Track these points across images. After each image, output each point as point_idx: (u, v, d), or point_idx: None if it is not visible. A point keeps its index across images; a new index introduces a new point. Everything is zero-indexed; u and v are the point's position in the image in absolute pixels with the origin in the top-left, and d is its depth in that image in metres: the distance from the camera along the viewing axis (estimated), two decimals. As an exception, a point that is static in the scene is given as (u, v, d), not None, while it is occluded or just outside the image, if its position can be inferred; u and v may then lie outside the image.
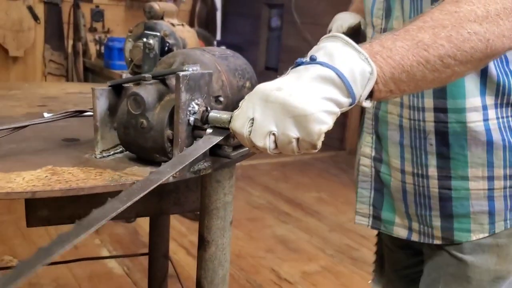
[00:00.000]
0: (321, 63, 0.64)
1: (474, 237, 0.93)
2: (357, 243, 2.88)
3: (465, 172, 0.92)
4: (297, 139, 0.64)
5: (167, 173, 0.68)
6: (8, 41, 3.34)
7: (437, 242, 0.97)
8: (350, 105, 0.65)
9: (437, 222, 0.96)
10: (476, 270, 0.94)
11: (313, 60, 0.65)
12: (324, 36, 0.70)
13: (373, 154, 1.04)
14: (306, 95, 0.62)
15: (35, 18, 3.42)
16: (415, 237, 1.01)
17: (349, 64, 0.64)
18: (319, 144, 0.64)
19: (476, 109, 0.89)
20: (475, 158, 0.91)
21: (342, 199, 3.60)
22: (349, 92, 0.64)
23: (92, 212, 0.57)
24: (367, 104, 0.67)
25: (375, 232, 1.17)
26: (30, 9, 3.39)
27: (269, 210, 3.40)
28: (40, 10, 3.46)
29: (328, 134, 0.64)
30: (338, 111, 0.64)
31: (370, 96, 0.67)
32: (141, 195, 0.62)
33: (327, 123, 0.63)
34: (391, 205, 1.04)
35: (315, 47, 0.68)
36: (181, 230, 2.97)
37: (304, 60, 0.66)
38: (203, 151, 0.75)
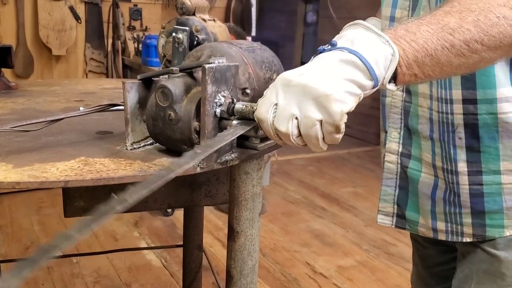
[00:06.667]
0: (342, 49, 0.64)
1: (507, 232, 0.91)
2: (393, 238, 2.85)
3: (497, 165, 0.89)
4: (320, 122, 0.63)
5: (190, 160, 0.66)
6: (51, 41, 3.45)
7: (467, 239, 0.94)
8: (374, 87, 0.65)
9: (467, 219, 0.93)
10: (510, 267, 0.91)
11: (333, 46, 0.65)
12: (346, 25, 0.70)
13: (400, 149, 1.02)
14: (327, 77, 0.62)
15: (77, 18, 3.52)
16: (441, 237, 0.99)
17: (370, 47, 0.64)
18: (342, 126, 0.63)
19: (507, 99, 0.86)
20: (507, 151, 0.88)
21: (378, 194, 3.55)
22: (371, 74, 0.63)
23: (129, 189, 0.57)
24: (392, 87, 0.67)
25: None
26: (72, 9, 3.49)
27: (305, 204, 3.39)
28: (81, 10, 3.56)
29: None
30: (360, 93, 0.64)
31: (394, 80, 0.67)
32: (166, 178, 0.60)
33: (348, 103, 0.62)
34: (415, 204, 1.02)
35: (337, 36, 0.68)
36: (217, 224, 3.01)
37: (325, 47, 0.66)
38: (228, 141, 0.76)
